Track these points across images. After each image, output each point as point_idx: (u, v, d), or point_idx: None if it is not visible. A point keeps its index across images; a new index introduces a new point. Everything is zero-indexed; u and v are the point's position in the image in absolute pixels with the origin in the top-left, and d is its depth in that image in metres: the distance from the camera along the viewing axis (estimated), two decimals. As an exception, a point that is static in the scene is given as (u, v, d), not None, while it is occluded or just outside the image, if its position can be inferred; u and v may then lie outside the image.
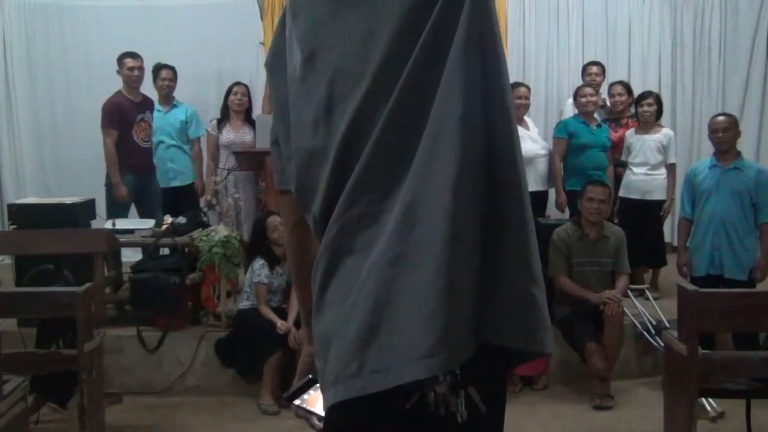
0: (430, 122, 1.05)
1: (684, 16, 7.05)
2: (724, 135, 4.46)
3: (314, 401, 1.29)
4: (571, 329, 4.26)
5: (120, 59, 5.46)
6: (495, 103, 1.09)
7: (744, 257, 4.42)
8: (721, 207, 4.43)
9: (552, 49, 7.07)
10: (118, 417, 3.86)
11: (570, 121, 5.59)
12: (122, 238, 4.67)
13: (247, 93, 5.68)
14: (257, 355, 4.17)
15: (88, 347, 3.18)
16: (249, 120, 5.65)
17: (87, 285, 3.33)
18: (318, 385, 1.28)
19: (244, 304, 4.36)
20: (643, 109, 5.45)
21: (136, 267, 4.66)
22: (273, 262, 4.32)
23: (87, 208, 4.92)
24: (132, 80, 5.43)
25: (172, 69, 5.85)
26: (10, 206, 4.91)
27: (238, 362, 4.35)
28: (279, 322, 4.13)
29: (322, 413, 1.25)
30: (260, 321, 4.21)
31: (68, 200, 4.82)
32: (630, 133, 5.54)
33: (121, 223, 4.96)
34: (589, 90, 5.53)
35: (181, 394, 4.35)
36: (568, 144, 5.43)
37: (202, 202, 5.75)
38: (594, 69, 6.01)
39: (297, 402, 1.31)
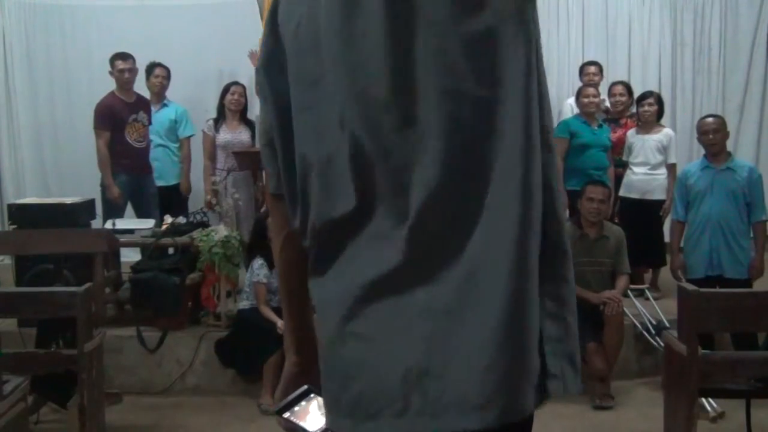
0: (494, 177, 1.02)
1: (684, 16, 7.05)
2: (715, 136, 4.47)
3: (304, 414, 1.26)
4: (571, 329, 4.25)
5: (111, 61, 5.46)
6: (544, 150, 1.08)
7: (742, 257, 4.44)
8: (717, 208, 4.44)
9: (552, 49, 7.06)
10: (118, 417, 3.86)
11: (571, 121, 5.59)
12: (122, 238, 4.67)
13: (244, 93, 5.66)
14: (257, 355, 4.17)
15: (88, 347, 3.18)
16: (245, 120, 5.64)
17: (87, 285, 3.33)
18: (311, 396, 1.25)
19: (244, 304, 4.36)
20: (643, 108, 5.45)
21: (136, 267, 4.66)
22: (272, 261, 4.31)
23: (87, 208, 4.92)
24: (122, 82, 5.43)
25: (166, 68, 5.85)
26: (10, 206, 4.91)
27: (238, 362, 4.35)
28: (279, 322, 4.13)
29: (311, 428, 1.22)
30: (260, 321, 4.21)
31: (68, 200, 4.82)
32: (631, 133, 5.55)
33: (121, 223, 4.96)
34: (591, 90, 5.53)
35: (181, 394, 4.36)
36: (569, 144, 5.43)
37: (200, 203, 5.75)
38: (592, 69, 6.01)
39: (286, 414, 1.26)
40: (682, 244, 4.69)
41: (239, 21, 6.86)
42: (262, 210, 4.92)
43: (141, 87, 5.77)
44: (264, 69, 1.25)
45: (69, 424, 3.18)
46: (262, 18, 6.83)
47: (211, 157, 5.64)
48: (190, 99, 6.48)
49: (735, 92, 7.07)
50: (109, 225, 4.90)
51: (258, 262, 4.30)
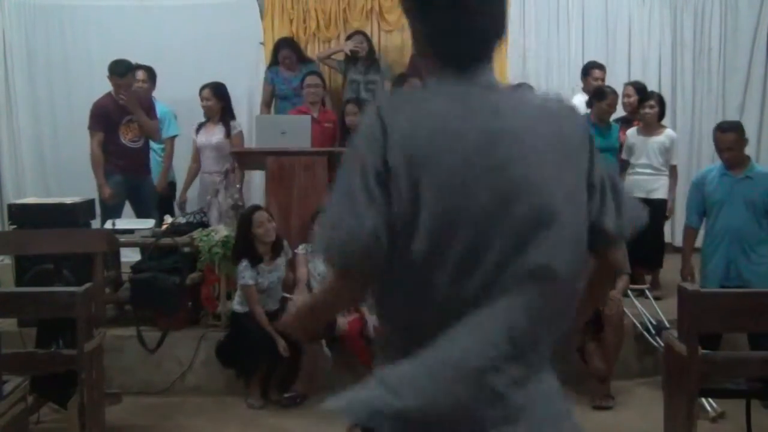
0: None
1: (684, 16, 7.04)
2: (730, 154, 4.26)
3: None
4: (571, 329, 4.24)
5: (110, 72, 5.34)
6: None
7: (762, 266, 4.24)
8: (736, 219, 4.23)
9: (552, 49, 7.05)
10: (118, 417, 3.86)
11: (584, 126, 5.52)
12: (122, 238, 4.67)
13: (213, 96, 5.52)
14: (255, 358, 4.16)
15: (88, 347, 3.18)
16: (224, 121, 5.56)
17: (87, 285, 3.33)
18: None
19: (238, 308, 4.28)
20: (645, 110, 5.41)
21: (136, 267, 4.66)
22: (256, 260, 4.20)
23: (87, 208, 4.92)
24: (118, 94, 5.39)
25: (149, 70, 5.83)
26: (10, 206, 4.91)
27: (238, 363, 4.32)
28: (281, 346, 4.07)
29: None
30: (253, 326, 4.14)
31: (68, 200, 4.82)
32: (632, 133, 5.50)
33: (121, 223, 4.96)
34: (612, 98, 5.44)
35: (181, 394, 4.35)
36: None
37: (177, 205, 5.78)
38: (597, 73, 5.92)
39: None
40: (698, 249, 4.56)
41: (239, 21, 6.87)
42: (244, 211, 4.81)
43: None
44: (370, 137, 1.35)
45: (69, 424, 3.18)
46: (262, 18, 6.84)
47: (195, 158, 5.70)
48: (190, 99, 6.47)
49: (735, 92, 7.06)
50: (109, 225, 4.89)
51: (242, 264, 4.20)
